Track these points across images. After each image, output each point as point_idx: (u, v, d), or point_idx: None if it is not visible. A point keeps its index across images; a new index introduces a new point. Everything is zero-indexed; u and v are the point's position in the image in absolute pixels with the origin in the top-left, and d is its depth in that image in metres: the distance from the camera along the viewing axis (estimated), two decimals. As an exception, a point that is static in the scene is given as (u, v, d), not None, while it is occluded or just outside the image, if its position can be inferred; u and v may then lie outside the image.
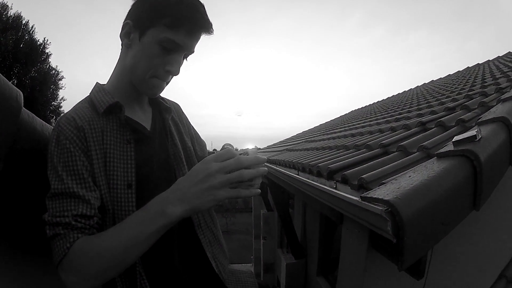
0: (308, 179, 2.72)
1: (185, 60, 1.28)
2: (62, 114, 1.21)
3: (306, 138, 8.39)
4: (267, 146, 13.89)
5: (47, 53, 29.04)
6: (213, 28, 1.22)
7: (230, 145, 1.35)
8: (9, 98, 1.05)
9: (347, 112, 16.88)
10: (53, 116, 30.15)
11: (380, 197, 1.10)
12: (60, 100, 31.02)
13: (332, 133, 6.86)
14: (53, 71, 29.84)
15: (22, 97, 1.11)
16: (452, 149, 1.32)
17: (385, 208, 1.04)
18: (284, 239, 7.62)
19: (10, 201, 1.22)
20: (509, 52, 8.72)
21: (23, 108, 1.14)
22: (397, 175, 1.50)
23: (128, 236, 0.95)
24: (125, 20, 1.23)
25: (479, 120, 1.68)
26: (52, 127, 1.19)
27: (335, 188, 2.03)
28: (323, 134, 7.45)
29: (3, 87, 1.02)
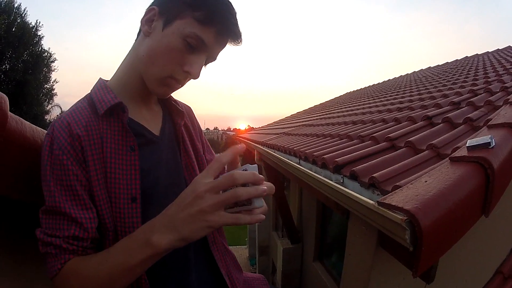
0: (311, 169, 2.72)
1: (204, 66, 1.14)
2: (57, 116, 1.08)
3: (303, 121, 8.35)
4: (262, 127, 13.86)
5: (40, 35, 28.87)
6: (242, 39, 1.11)
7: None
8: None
9: (341, 94, 16.85)
10: (46, 99, 30.43)
11: (400, 205, 1.11)
12: (52, 82, 31.02)
13: (329, 117, 6.83)
14: (46, 54, 29.72)
15: (8, 102, 0.96)
16: (467, 154, 1.34)
17: (405, 218, 1.05)
18: (279, 222, 7.66)
19: (5, 212, 1.16)
20: (509, 46, 8.90)
21: (10, 114, 0.99)
22: (410, 177, 1.55)
23: (113, 265, 0.88)
24: (150, 5, 1.10)
25: (489, 123, 1.71)
26: (45, 132, 1.07)
27: (342, 183, 2.05)
28: (320, 118, 7.44)
29: None
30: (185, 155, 1.28)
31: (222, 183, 0.83)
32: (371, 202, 1.41)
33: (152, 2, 1.11)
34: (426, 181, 1.27)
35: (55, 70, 30.92)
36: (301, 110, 15.89)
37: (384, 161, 2.04)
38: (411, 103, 4.08)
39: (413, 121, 2.95)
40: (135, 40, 1.17)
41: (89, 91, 1.17)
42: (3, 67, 26.49)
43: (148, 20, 1.09)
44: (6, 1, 25.88)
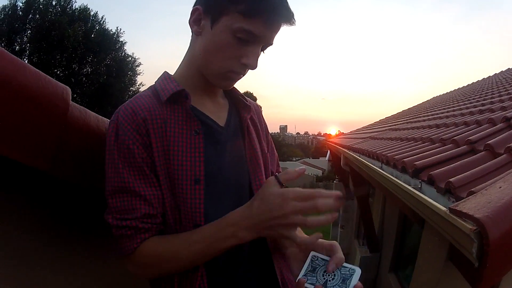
0: (392, 174, 2.72)
1: (262, 52, 1.12)
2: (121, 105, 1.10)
3: (390, 126, 8.33)
4: (351, 132, 13.84)
5: (122, 41, 30.64)
6: (295, 18, 1.06)
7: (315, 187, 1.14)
8: (54, 96, 0.96)
9: (429, 98, 16.45)
10: (132, 101, 32.73)
11: (470, 213, 1.05)
12: (138, 85, 32.64)
13: (415, 121, 6.71)
14: (130, 58, 31.47)
15: (70, 93, 1.01)
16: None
17: (475, 228, 0.99)
18: (361, 230, 7.57)
19: (61, 199, 1.20)
20: None
21: (74, 104, 1.04)
22: (486, 183, 1.47)
23: (198, 250, 0.98)
24: (194, 5, 1.10)
25: None
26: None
27: (420, 189, 2.00)
28: (407, 122, 7.33)
29: (45, 85, 0.93)
30: (250, 148, 1.24)
31: (306, 209, 0.94)
32: (443, 208, 1.35)
33: (195, 2, 1.11)
34: (500, 187, 1.20)
35: (141, 74, 32.93)
36: (390, 115, 15.70)
37: (462, 165, 1.96)
38: (492, 105, 3.95)
39: (493, 123, 2.85)
40: (191, 38, 1.17)
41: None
42: (85, 70, 28.75)
43: (195, 21, 1.09)
44: (80, 10, 28.03)
